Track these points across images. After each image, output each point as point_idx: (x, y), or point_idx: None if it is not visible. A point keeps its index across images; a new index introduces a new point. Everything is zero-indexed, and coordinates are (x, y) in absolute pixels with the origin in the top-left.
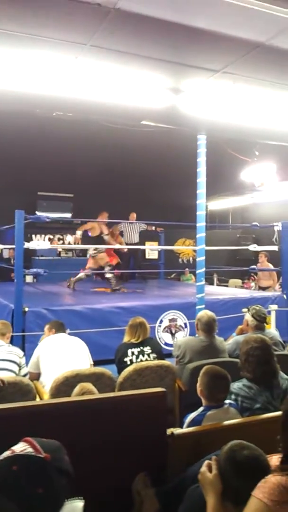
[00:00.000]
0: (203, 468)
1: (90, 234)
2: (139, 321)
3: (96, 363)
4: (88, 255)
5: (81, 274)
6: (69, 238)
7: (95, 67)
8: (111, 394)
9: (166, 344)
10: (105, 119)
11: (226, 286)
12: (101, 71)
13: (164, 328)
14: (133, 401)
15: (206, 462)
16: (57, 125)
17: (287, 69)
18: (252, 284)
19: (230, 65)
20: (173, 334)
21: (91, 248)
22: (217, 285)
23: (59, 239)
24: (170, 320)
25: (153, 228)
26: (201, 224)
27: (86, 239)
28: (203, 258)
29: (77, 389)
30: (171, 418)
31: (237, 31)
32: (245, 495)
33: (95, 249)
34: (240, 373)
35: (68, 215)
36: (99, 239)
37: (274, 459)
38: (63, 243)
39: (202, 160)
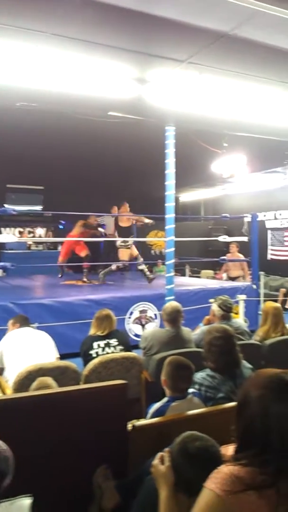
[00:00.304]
0: (156, 461)
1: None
2: (105, 313)
3: (66, 356)
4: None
5: (113, 266)
6: (39, 231)
7: (57, 56)
8: (69, 388)
9: (136, 335)
10: (72, 110)
11: (199, 277)
12: (63, 60)
13: (134, 320)
14: (93, 394)
15: (159, 454)
16: (25, 117)
17: (252, 60)
18: (224, 275)
19: (195, 55)
20: (143, 326)
21: (119, 240)
22: (190, 276)
23: (29, 232)
24: (141, 312)
25: (134, 222)
26: (170, 215)
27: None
28: (173, 249)
29: (34, 383)
30: (138, 408)
31: (201, 20)
32: (198, 486)
33: (124, 241)
34: (204, 363)
35: (38, 207)
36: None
37: (231, 449)
38: (34, 236)
39: (170, 152)
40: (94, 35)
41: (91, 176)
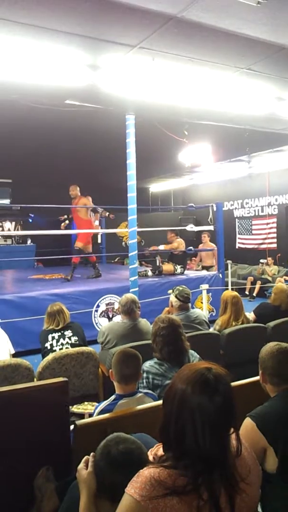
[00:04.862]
0: (81, 465)
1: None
2: (56, 308)
3: (32, 352)
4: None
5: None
6: (8, 225)
7: (5, 42)
8: (5, 388)
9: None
10: (29, 99)
11: None
12: (13, 47)
13: (101, 313)
14: (32, 393)
15: (85, 458)
16: None
17: (203, 44)
18: (197, 264)
19: (145, 39)
20: (110, 318)
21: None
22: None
23: None
24: (107, 305)
25: (107, 214)
26: (132, 206)
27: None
28: (135, 240)
29: None
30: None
31: (148, 2)
32: (121, 491)
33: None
34: (153, 353)
35: (6, 201)
36: None
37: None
38: (2, 230)
39: (131, 141)
40: (43, 19)
41: (59, 168)
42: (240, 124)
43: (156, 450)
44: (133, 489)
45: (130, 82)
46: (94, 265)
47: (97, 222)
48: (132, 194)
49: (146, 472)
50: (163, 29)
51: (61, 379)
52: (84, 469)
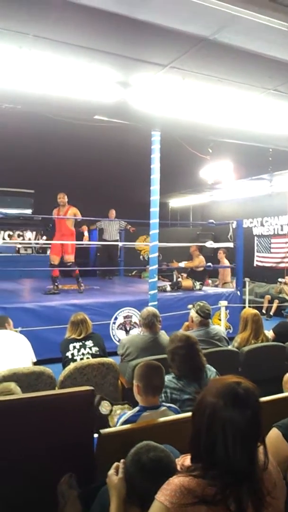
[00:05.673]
0: (111, 471)
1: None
2: (80, 317)
3: (50, 361)
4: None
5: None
6: (29, 234)
7: (41, 58)
8: (33, 394)
9: (120, 341)
10: (58, 113)
11: None
12: (48, 62)
13: (119, 325)
14: (58, 400)
15: (115, 464)
16: (15, 120)
17: (232, 65)
18: (210, 281)
19: (177, 60)
20: (127, 331)
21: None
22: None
23: (19, 236)
24: (125, 317)
25: (128, 227)
26: (154, 221)
27: None
28: (156, 254)
29: None
30: None
31: (182, 25)
32: (150, 498)
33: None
34: (169, 369)
35: (28, 211)
36: None
37: (189, 459)
38: (23, 240)
39: (156, 157)
40: (79, 38)
41: (81, 180)
42: (263, 143)
43: (183, 461)
44: (164, 496)
45: (159, 100)
46: (77, 278)
47: (86, 233)
48: (154, 209)
49: (176, 480)
50: (195, 50)
51: (87, 387)
52: (114, 475)
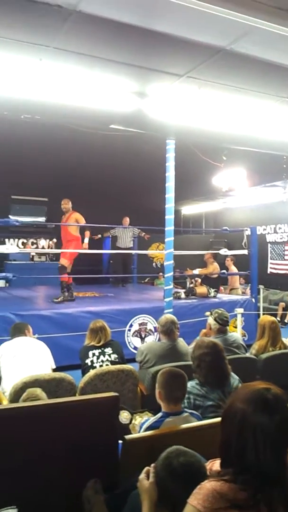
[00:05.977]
0: (142, 475)
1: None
2: (99, 325)
3: (67, 368)
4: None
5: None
6: (42, 242)
7: (60, 70)
8: (59, 400)
9: (135, 348)
10: (75, 123)
11: None
12: (66, 73)
13: (134, 333)
14: (83, 406)
15: (146, 469)
16: (30, 129)
17: (249, 75)
18: (222, 288)
19: (193, 69)
20: (142, 338)
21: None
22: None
23: (32, 243)
24: (140, 324)
25: (142, 234)
26: (169, 228)
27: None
28: (171, 262)
29: (24, 394)
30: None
31: (199, 35)
32: (182, 502)
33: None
34: (193, 374)
35: (42, 219)
36: None
37: (217, 464)
38: (37, 248)
39: (171, 165)
40: (95, 49)
41: (94, 188)
42: (277, 150)
43: (211, 465)
44: (196, 500)
45: (175, 109)
46: (69, 288)
47: (86, 240)
48: (170, 216)
49: (208, 485)
50: (211, 60)
51: (112, 393)
52: (145, 479)
